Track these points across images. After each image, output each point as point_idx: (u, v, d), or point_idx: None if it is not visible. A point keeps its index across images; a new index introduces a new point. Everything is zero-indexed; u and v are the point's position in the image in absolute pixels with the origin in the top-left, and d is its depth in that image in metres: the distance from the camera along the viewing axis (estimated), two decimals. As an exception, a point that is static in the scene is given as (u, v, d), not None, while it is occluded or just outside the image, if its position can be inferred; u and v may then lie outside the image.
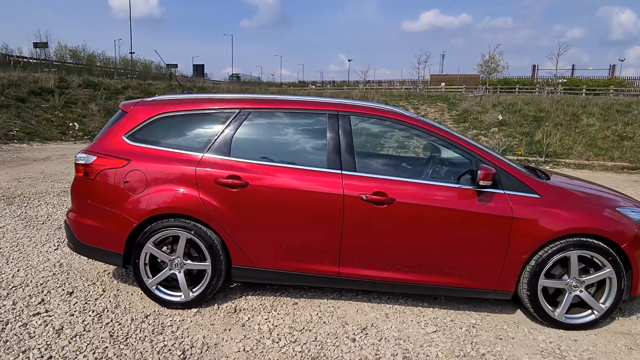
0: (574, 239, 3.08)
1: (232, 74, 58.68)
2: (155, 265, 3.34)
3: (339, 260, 3.21)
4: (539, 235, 3.06)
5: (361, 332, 3.05)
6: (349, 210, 3.11)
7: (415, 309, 3.42)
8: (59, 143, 13.72)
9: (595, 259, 3.12)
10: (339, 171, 3.17)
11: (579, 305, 3.23)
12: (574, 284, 3.15)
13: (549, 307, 3.18)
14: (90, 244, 3.36)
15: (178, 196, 3.19)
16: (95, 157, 3.31)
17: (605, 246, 3.08)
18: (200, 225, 3.21)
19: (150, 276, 3.30)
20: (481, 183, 3.00)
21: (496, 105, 19.63)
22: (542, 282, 3.14)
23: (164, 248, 3.29)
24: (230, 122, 3.31)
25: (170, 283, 3.35)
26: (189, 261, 3.28)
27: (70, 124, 15.76)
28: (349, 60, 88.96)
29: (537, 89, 31.54)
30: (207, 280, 3.26)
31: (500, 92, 31.67)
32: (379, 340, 2.96)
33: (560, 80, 31.99)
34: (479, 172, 2.99)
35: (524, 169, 3.44)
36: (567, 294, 3.17)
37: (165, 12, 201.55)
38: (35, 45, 48.14)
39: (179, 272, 3.27)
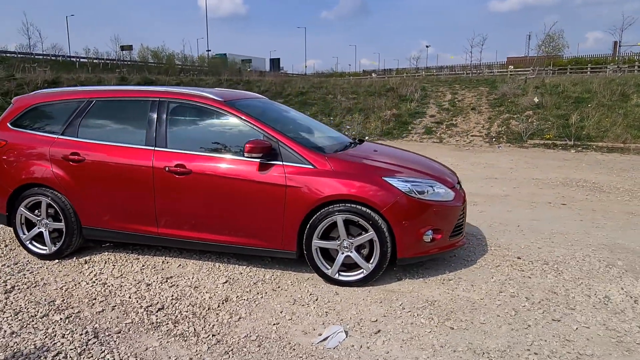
0: (339, 204, 3.47)
1: (217, 54, 57.24)
2: (33, 225, 4.22)
3: (156, 222, 3.87)
4: (308, 201, 3.49)
5: (163, 280, 3.70)
6: (157, 179, 3.76)
7: (231, 266, 3.99)
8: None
9: (360, 223, 3.48)
10: (153, 148, 3.82)
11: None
12: (344, 245, 3.54)
13: (326, 265, 3.60)
14: (-12, 208, 4.34)
15: (38, 169, 4.04)
16: (-18, 140, 4.27)
17: (368, 211, 3.44)
18: (56, 193, 4.03)
19: (26, 233, 4.19)
20: (246, 155, 3.49)
21: (539, 87, 18.67)
22: (316, 243, 3.56)
23: (36, 211, 4.16)
24: (80, 109, 4.09)
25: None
26: (51, 222, 4.12)
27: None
28: (427, 47, 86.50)
29: (610, 67, 29.08)
30: (63, 237, 4.08)
31: (570, 73, 29.66)
32: (170, 287, 3.59)
33: (638, 57, 29.17)
34: (244, 145, 3.48)
35: (304, 142, 3.78)
36: (339, 254, 3.57)
37: (249, 9, 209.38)
38: (122, 48, 52.91)
39: (45, 230, 4.13)
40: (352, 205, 3.46)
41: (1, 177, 4.16)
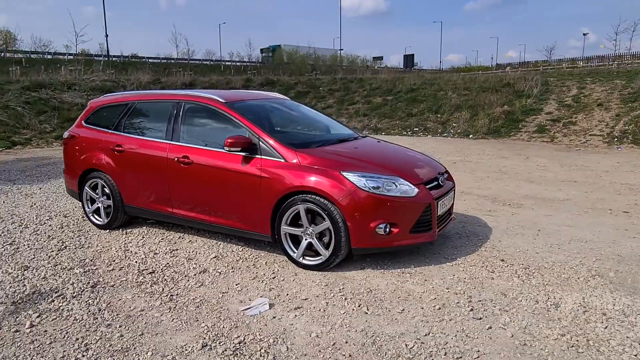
0: (300, 195, 3.86)
1: (270, 46, 56.49)
2: (94, 201, 5.34)
3: (170, 203, 4.66)
4: (276, 191, 3.94)
5: (168, 251, 4.47)
6: (170, 168, 4.53)
7: (228, 245, 4.60)
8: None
9: (319, 213, 3.82)
10: (169, 141, 4.61)
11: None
12: (308, 232, 3.91)
13: (293, 249, 4.01)
14: (69, 187, 5.59)
15: (95, 158, 5.12)
16: (67, 134, 5.51)
17: (325, 202, 3.76)
18: (107, 176, 5.07)
19: (90, 207, 5.33)
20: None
21: (689, 80, 15.98)
22: (284, 228, 3.99)
23: (96, 190, 5.27)
24: (125, 110, 5.07)
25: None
26: (105, 199, 5.18)
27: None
28: (584, 35, 77.22)
29: None
30: (111, 212, 5.11)
31: None
32: (170, 257, 4.33)
33: None
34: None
35: (284, 139, 4.22)
36: (303, 240, 3.95)
37: (390, 5, 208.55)
38: (261, 50, 57.21)
39: (101, 205, 5.22)
40: (311, 196, 3.81)
41: (74, 163, 5.35)
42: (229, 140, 4.03)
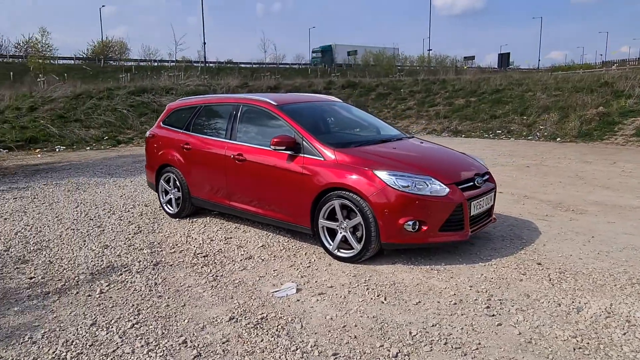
0: (335, 191, 4.14)
1: (320, 47, 54.00)
2: (167, 193, 6.04)
3: (229, 197, 5.17)
4: (314, 187, 4.26)
5: (223, 239, 4.97)
6: (228, 164, 5.04)
7: (276, 236, 5.00)
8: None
9: (352, 209, 4.07)
10: (228, 140, 5.12)
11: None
12: (342, 226, 4.18)
13: (329, 242, 4.30)
14: (149, 180, 6.36)
15: (169, 154, 5.80)
16: (149, 133, 6.28)
17: (357, 198, 4.01)
18: (178, 171, 5.73)
19: (164, 198, 6.03)
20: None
21: None
22: (322, 222, 4.29)
23: (170, 183, 5.95)
24: (195, 112, 5.69)
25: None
26: (176, 192, 5.85)
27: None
28: None
29: None
30: (180, 203, 5.76)
31: None
32: (224, 244, 4.82)
33: None
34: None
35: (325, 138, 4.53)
36: (338, 234, 4.22)
37: (486, 1, 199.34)
38: (348, 53, 57.86)
39: (173, 197, 5.89)
40: (345, 192, 4.07)
41: (152, 159, 6.10)
42: (275, 140, 4.42)
